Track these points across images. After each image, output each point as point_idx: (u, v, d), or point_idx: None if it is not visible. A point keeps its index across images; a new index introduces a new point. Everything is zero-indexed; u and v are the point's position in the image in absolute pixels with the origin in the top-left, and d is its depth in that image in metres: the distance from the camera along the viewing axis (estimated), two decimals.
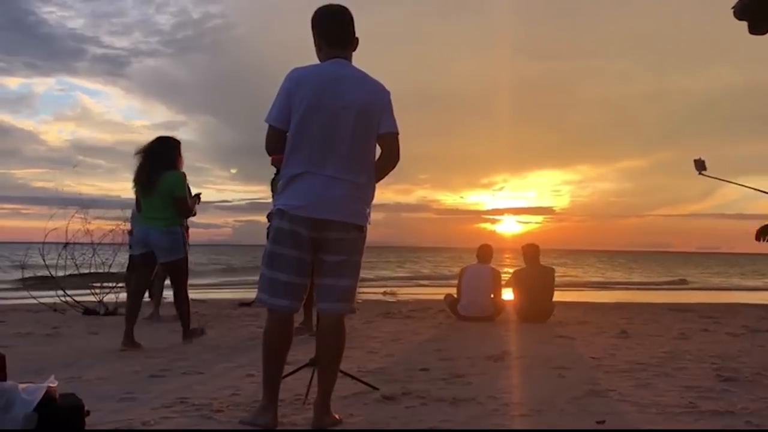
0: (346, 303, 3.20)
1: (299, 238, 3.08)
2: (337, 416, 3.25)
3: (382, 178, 3.27)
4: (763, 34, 2.18)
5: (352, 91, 3.11)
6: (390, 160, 3.23)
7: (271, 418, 3.13)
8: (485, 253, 8.66)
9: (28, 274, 10.31)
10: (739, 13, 2.19)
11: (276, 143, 3.16)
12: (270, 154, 3.24)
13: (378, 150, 3.23)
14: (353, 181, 3.11)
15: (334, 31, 3.21)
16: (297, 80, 3.12)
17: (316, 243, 3.10)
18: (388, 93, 3.23)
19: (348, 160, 3.09)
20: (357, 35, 3.25)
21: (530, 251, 8.49)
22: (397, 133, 3.22)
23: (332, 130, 3.08)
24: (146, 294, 10.62)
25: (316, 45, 3.25)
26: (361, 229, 3.17)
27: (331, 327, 3.21)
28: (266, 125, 3.17)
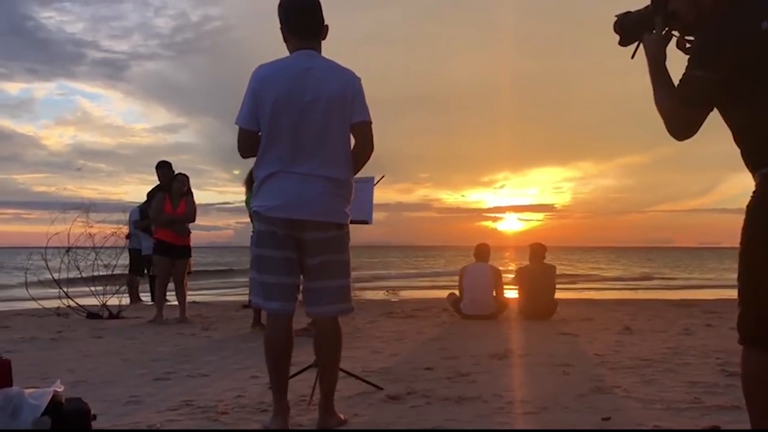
0: (337, 304, 3.12)
1: (279, 237, 3.02)
2: (342, 416, 3.25)
3: (358, 169, 3.16)
4: (628, 44, 2.35)
5: (320, 84, 3.01)
6: (364, 150, 3.11)
7: (281, 422, 3.11)
8: (482, 251, 8.67)
9: (31, 278, 10.31)
10: (618, 26, 2.36)
11: (248, 145, 3.09)
12: (243, 157, 3.15)
13: (353, 141, 3.12)
14: (329, 177, 3.01)
15: (300, 22, 3.10)
16: (262, 79, 3.05)
17: (297, 242, 3.04)
18: (358, 80, 3.11)
19: (322, 155, 3.01)
20: (327, 23, 3.13)
21: (536, 249, 8.50)
22: (370, 122, 3.11)
23: (303, 126, 3.00)
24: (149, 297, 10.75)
25: (283, 37, 3.15)
26: (341, 227, 3.08)
27: (325, 330, 3.17)
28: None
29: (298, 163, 3.00)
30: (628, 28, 2.32)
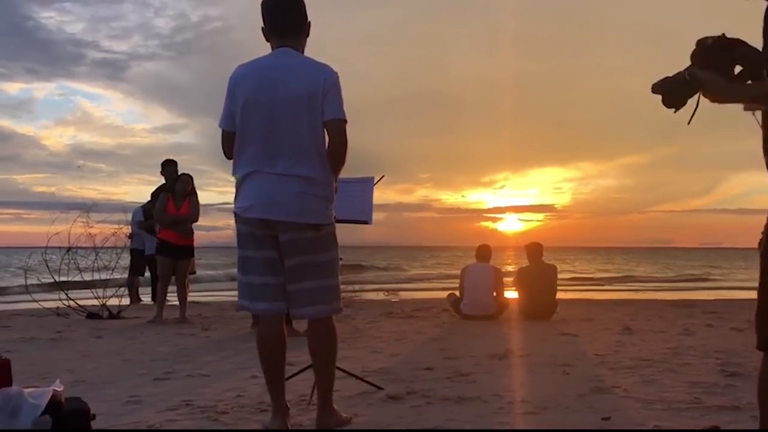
0: (316, 306, 3.05)
1: (258, 238, 3.01)
2: (345, 415, 3.24)
3: (336, 169, 3.06)
4: (675, 109, 2.22)
5: (291, 81, 2.96)
6: (336, 149, 3.00)
7: (280, 422, 3.11)
8: (484, 252, 8.67)
9: (31, 278, 10.30)
10: (658, 88, 2.21)
11: (229, 146, 3.08)
12: (227, 158, 3.12)
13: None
14: (305, 176, 2.95)
15: (278, 20, 3.06)
16: (236, 79, 3.04)
17: (275, 242, 3.01)
18: (333, 75, 3.01)
19: (296, 154, 2.96)
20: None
21: (533, 249, 8.51)
22: (344, 120, 2.99)
23: (275, 125, 2.96)
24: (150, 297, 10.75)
25: (265, 38, 3.11)
26: (318, 228, 3.00)
27: (314, 331, 3.14)
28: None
29: (273, 162, 2.97)
30: (678, 91, 2.13)
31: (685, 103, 2.17)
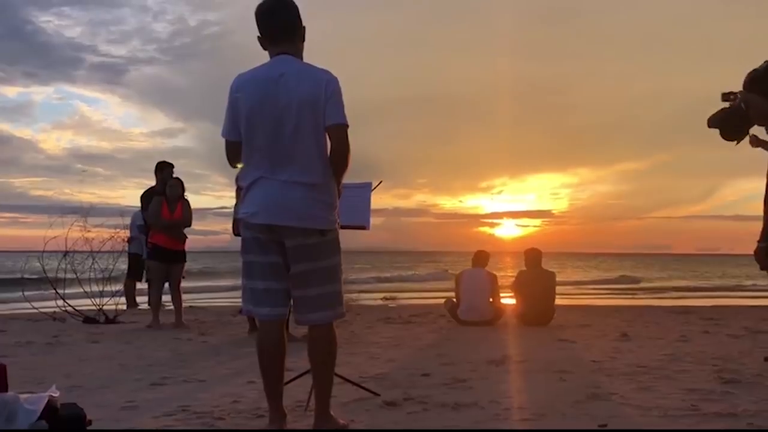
0: (319, 312, 3.07)
1: (263, 243, 3.03)
2: (341, 421, 3.24)
3: (339, 176, 3.08)
4: (733, 140, 2.24)
5: (292, 89, 2.97)
6: (339, 155, 3.02)
7: (277, 428, 3.11)
8: (480, 258, 8.66)
9: (27, 282, 10.27)
10: (713, 123, 2.24)
11: (234, 155, 3.11)
12: (232, 167, 3.16)
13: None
14: (309, 183, 2.99)
15: (273, 27, 3.07)
16: (238, 88, 3.06)
17: (281, 247, 3.03)
18: (334, 81, 3.02)
19: (300, 161, 2.98)
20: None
21: (532, 255, 8.50)
22: (345, 125, 3.01)
23: (278, 133, 2.98)
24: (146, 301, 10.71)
25: (262, 46, 3.13)
26: (324, 233, 3.03)
27: (314, 337, 3.14)
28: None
29: (279, 170, 2.99)
30: (733, 123, 2.21)
31: (743, 134, 2.20)
